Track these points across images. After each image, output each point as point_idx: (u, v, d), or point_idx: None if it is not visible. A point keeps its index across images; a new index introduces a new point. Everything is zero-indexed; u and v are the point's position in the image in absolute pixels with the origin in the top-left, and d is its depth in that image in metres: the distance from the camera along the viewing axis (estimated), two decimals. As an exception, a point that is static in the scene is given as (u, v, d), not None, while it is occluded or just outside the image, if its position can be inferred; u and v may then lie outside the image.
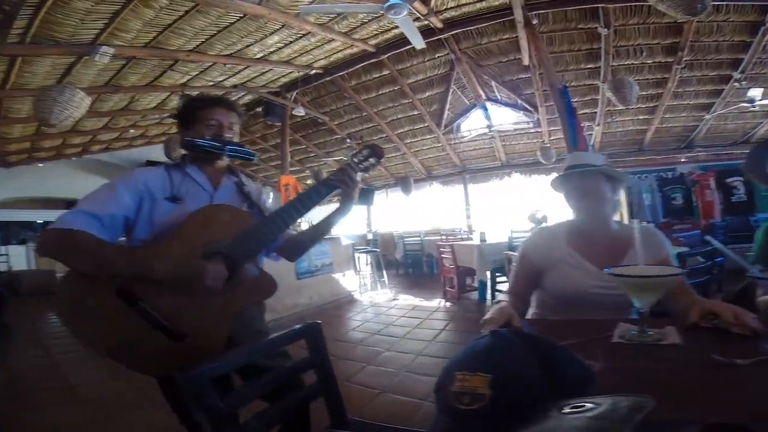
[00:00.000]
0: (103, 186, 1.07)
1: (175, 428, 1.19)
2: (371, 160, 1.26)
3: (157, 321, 0.98)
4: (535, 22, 4.45)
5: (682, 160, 6.77)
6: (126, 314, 0.96)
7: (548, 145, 6.85)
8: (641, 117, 6.53)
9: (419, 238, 7.57)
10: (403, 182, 8.09)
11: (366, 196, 7.61)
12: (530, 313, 1.33)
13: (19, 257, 7.91)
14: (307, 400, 1.04)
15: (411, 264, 7.81)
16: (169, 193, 1.10)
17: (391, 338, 3.59)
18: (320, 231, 1.31)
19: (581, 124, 4.07)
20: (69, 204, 8.65)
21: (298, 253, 1.35)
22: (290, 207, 1.17)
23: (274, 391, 0.97)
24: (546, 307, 1.30)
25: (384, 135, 7.79)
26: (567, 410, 0.41)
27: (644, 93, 5.56)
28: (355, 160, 1.25)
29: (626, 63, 5.23)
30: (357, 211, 8.26)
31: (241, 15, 3.59)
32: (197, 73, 4.76)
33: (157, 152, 8.15)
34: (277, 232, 1.15)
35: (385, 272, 6.22)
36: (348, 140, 8.18)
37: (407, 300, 5.29)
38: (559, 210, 7.31)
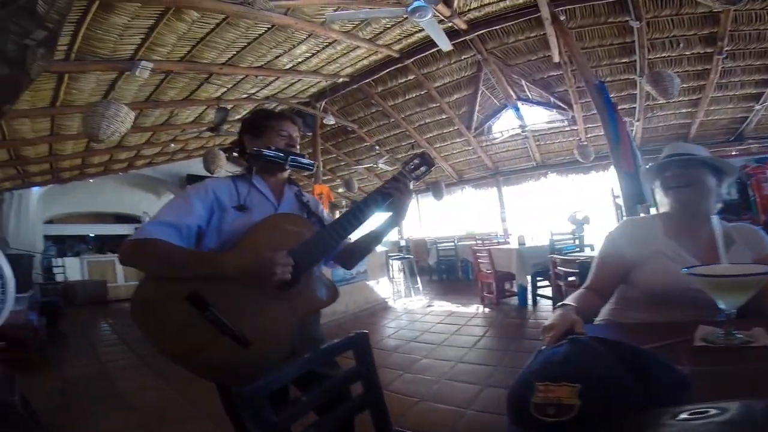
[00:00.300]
0: (178, 197, 1.13)
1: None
2: (422, 168, 1.25)
3: (225, 326, 0.99)
4: (562, 18, 4.31)
5: (733, 153, 6.32)
6: (195, 319, 0.98)
7: (585, 143, 6.57)
8: (684, 110, 6.15)
9: (453, 244, 7.42)
10: (435, 187, 7.97)
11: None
12: (606, 310, 1.22)
13: (73, 268, 8.44)
14: (354, 411, 1.01)
15: (445, 270, 7.67)
16: (236, 202, 1.14)
17: (428, 345, 3.49)
18: (375, 239, 1.30)
19: (623, 119, 3.84)
20: (118, 218, 9.22)
21: (354, 260, 1.36)
22: (349, 216, 1.17)
23: (327, 402, 0.96)
24: (629, 303, 1.18)
25: (412, 140, 7.75)
26: (685, 416, 0.36)
27: (686, 85, 5.28)
28: (408, 168, 1.24)
29: (663, 55, 4.98)
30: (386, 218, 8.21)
31: (269, 26, 3.67)
32: (231, 86, 4.91)
33: (196, 166, 8.50)
34: (338, 241, 1.16)
35: (419, 278, 6.12)
36: (377, 147, 8.21)
37: (443, 306, 5.16)
38: (600, 210, 7.09)
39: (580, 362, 0.53)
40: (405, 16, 3.30)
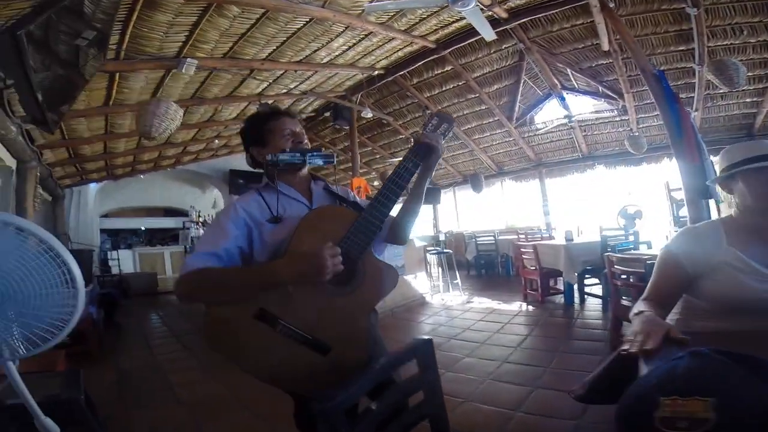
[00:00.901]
0: (210, 226, 1.13)
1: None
2: (444, 125, 1.18)
3: (300, 336, 0.98)
4: (611, 5, 4.07)
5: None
6: (269, 336, 0.97)
7: (637, 133, 6.14)
8: (748, 100, 5.61)
9: (493, 238, 7.20)
10: (474, 179, 7.79)
11: (432, 195, 7.44)
12: (670, 319, 1.12)
13: (126, 260, 9.01)
14: (416, 421, 0.97)
15: (483, 265, 7.47)
16: (269, 215, 1.12)
17: (470, 344, 3.38)
18: (416, 199, 1.23)
19: (694, 112, 3.52)
20: (166, 212, 9.71)
21: (405, 231, 1.28)
22: (386, 189, 1.11)
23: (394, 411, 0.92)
24: (694, 312, 1.10)
25: (450, 132, 7.56)
26: None
27: (750, 74, 4.83)
28: (429, 129, 1.17)
29: (725, 43, 4.59)
30: (423, 211, 8.12)
31: (307, 20, 3.66)
32: (271, 81, 4.98)
33: (238, 161, 8.81)
34: (382, 217, 1.09)
35: (457, 273, 5.99)
36: (412, 139, 8.07)
37: (483, 303, 5.01)
38: (653, 204, 6.62)
39: (708, 375, 0.52)
40: (446, 5, 3.18)
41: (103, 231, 9.41)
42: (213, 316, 1.01)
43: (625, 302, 2.80)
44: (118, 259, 8.33)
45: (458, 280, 5.92)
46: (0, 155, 3.55)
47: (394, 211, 1.19)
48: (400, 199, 1.14)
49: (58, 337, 1.20)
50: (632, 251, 3.73)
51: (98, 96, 3.85)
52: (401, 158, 1.13)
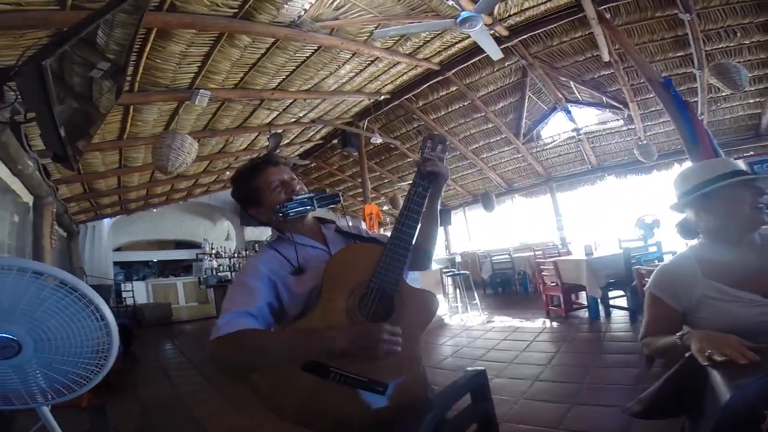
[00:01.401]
0: (235, 286, 1.06)
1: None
2: (440, 147, 1.13)
3: (355, 380, 0.92)
4: (607, 16, 4.15)
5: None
6: (323, 387, 0.92)
7: (645, 142, 6.11)
8: (751, 101, 5.60)
9: (508, 256, 7.09)
10: (484, 198, 7.75)
11: (443, 216, 7.40)
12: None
13: (140, 292, 9.01)
14: None
15: (500, 283, 7.32)
16: (290, 268, 1.07)
17: (496, 364, 3.25)
18: (432, 221, 1.19)
19: (699, 116, 3.50)
20: (178, 244, 9.76)
21: (427, 255, 1.24)
22: (403, 217, 1.08)
23: None
24: None
25: (457, 152, 7.62)
26: None
27: (751, 75, 4.82)
28: (426, 153, 1.12)
29: (721, 46, 4.63)
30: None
31: (316, 48, 3.76)
32: (281, 111, 5.08)
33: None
34: (408, 245, 1.06)
35: (475, 293, 5.86)
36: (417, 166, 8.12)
37: (504, 321, 4.87)
38: (668, 212, 6.45)
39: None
40: (454, 27, 3.25)
41: (116, 263, 9.48)
42: (260, 376, 0.96)
43: None
44: (132, 291, 8.33)
45: (476, 300, 5.78)
46: (17, 191, 3.59)
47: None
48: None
49: (94, 381, 1.17)
50: (656, 262, 3.64)
51: (113, 129, 3.94)
52: (411, 183, 1.11)
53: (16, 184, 3.55)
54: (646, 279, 2.70)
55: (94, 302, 1.07)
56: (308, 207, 1.14)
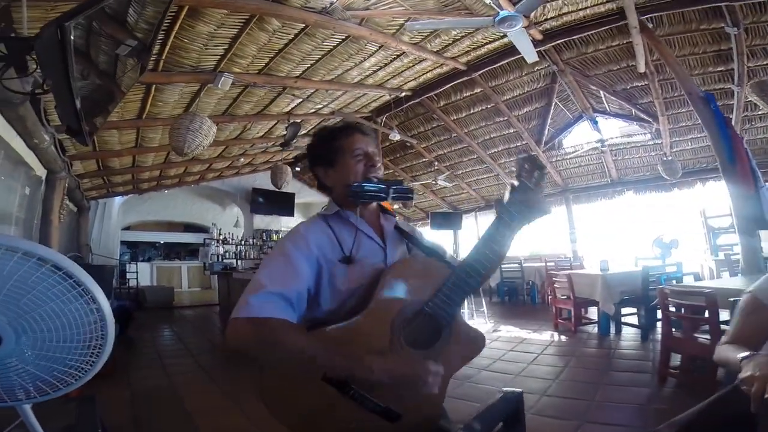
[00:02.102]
0: (277, 256, 0.94)
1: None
2: (537, 173, 0.96)
3: (372, 404, 0.85)
4: (650, 26, 4.02)
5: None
6: (337, 402, 0.85)
7: (671, 158, 5.94)
8: None
9: (518, 265, 6.97)
10: (498, 204, 7.59)
11: (452, 220, 7.29)
12: None
13: (144, 273, 9.02)
14: None
15: (507, 292, 7.20)
16: (341, 254, 0.96)
17: (503, 375, 3.16)
18: (497, 260, 1.03)
19: (739, 135, 3.36)
20: (186, 227, 9.76)
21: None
22: (485, 248, 0.94)
23: None
24: None
25: (475, 156, 7.50)
26: None
27: None
28: (523, 177, 0.96)
29: (766, 63, 4.45)
30: (443, 236, 7.96)
31: (343, 38, 3.67)
32: (301, 100, 5.00)
33: (261, 180, 8.86)
34: (478, 280, 0.93)
35: (483, 301, 5.76)
36: (436, 163, 8.04)
37: (511, 332, 4.76)
38: (687, 232, 6.34)
39: None
40: (492, 25, 3.13)
41: (123, 242, 9.50)
42: (273, 375, 0.90)
43: (676, 334, 2.65)
44: (137, 272, 8.31)
45: (484, 308, 5.67)
46: (31, 163, 3.56)
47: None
48: None
49: (83, 380, 1.08)
50: (675, 282, 3.54)
51: (132, 108, 3.88)
52: (497, 212, 0.95)
53: (30, 157, 3.52)
54: (669, 299, 2.60)
55: (90, 291, 0.96)
56: (382, 195, 1.03)
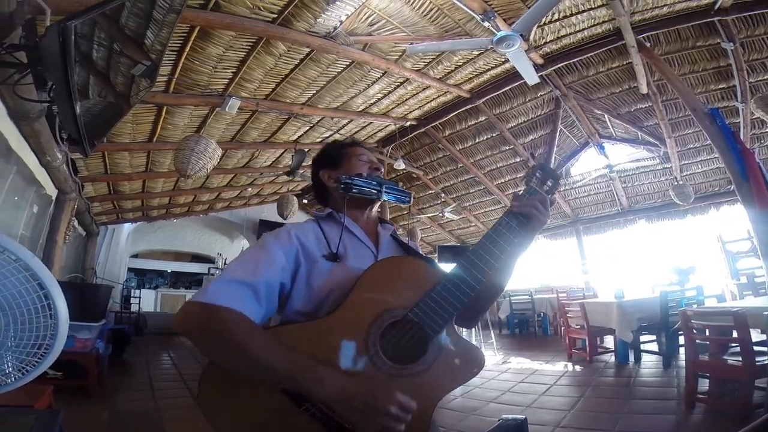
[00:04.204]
0: (253, 247, 0.89)
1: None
2: (549, 182, 0.94)
3: (334, 425, 0.73)
4: (647, 45, 4.07)
5: None
6: (290, 416, 0.74)
7: (682, 182, 5.82)
8: None
9: (529, 297, 6.73)
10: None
11: (460, 253, 7.17)
12: None
13: (148, 300, 8.97)
14: None
15: (518, 324, 6.92)
16: (327, 250, 0.91)
17: (512, 407, 2.96)
18: (502, 279, 0.98)
19: (750, 149, 3.28)
20: (194, 257, 9.83)
21: (479, 313, 1.05)
22: (483, 249, 0.86)
23: None
24: None
25: (482, 187, 7.47)
26: None
27: None
28: (534, 183, 0.93)
29: (767, 77, 4.45)
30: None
31: (347, 63, 3.79)
32: (307, 129, 5.11)
33: (268, 212, 8.93)
34: (474, 287, 0.84)
35: (492, 333, 5.52)
36: (442, 195, 8.02)
37: (522, 363, 4.51)
38: (704, 258, 6.07)
39: None
40: (490, 47, 3.21)
41: (131, 269, 9.55)
42: (216, 374, 0.78)
43: (702, 358, 2.49)
44: (140, 298, 8.28)
45: (493, 340, 5.42)
46: (42, 183, 3.63)
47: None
48: None
49: (20, 382, 1.00)
50: (696, 306, 3.36)
51: (144, 130, 4.00)
52: (500, 219, 0.91)
53: (42, 175, 3.59)
54: (693, 321, 2.44)
55: (45, 286, 0.91)
56: (374, 190, 1.00)
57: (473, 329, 5.69)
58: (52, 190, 3.93)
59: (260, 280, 0.79)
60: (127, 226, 8.17)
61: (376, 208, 1.06)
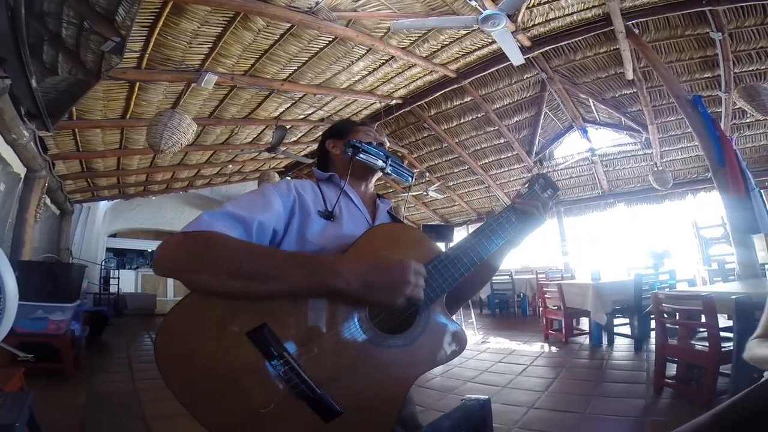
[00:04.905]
0: (251, 192, 0.87)
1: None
2: (549, 192, 0.97)
3: (304, 384, 0.67)
4: (636, 31, 4.05)
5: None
6: (256, 370, 0.66)
7: (661, 167, 5.93)
8: None
9: (509, 277, 6.87)
10: (489, 217, 7.56)
11: (444, 232, 7.22)
12: None
13: (128, 281, 8.83)
14: None
15: (498, 304, 7.09)
16: (323, 208, 0.89)
17: (489, 387, 3.03)
18: (491, 268, 1.00)
19: (728, 136, 3.33)
20: (173, 234, 9.77)
21: (461, 299, 1.03)
22: (487, 230, 0.86)
23: None
24: None
25: (466, 167, 7.48)
26: None
27: None
28: (537, 188, 0.96)
29: (751, 69, 4.51)
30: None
31: (330, 39, 3.65)
32: (288, 105, 4.95)
33: (249, 189, 8.76)
34: (472, 263, 0.83)
35: (472, 312, 5.63)
36: (427, 174, 8.00)
37: (500, 343, 4.63)
38: (678, 243, 6.28)
39: None
40: (476, 26, 3.13)
41: (110, 249, 9.32)
42: (186, 313, 0.68)
43: (672, 342, 2.55)
44: (119, 278, 8.13)
45: (473, 320, 5.54)
46: (8, 160, 3.46)
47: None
48: None
49: None
50: (668, 289, 3.46)
51: (116, 106, 3.82)
52: (501, 211, 0.92)
53: (8, 153, 3.43)
54: (664, 305, 2.51)
55: None
56: (381, 160, 1.00)
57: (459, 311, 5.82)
58: (20, 168, 3.76)
59: (254, 219, 0.76)
60: (104, 204, 7.92)
61: (374, 180, 1.06)
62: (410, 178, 1.08)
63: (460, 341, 0.83)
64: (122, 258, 10.33)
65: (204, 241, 0.69)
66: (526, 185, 0.96)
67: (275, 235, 0.82)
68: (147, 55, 3.05)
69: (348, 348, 0.72)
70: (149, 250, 10.77)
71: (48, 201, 4.80)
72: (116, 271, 8.39)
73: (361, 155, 0.97)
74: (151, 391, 3.00)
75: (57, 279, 3.57)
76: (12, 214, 3.73)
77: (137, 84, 3.50)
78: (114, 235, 9.78)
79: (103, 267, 7.93)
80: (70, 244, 5.99)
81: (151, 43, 2.92)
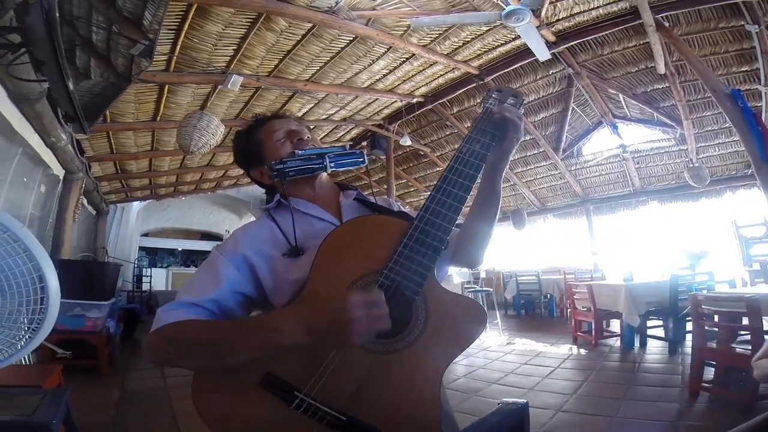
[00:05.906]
0: (203, 265, 0.83)
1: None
2: (512, 100, 0.83)
3: (330, 416, 0.65)
4: (666, 24, 3.86)
5: None
6: (282, 416, 0.65)
7: (698, 164, 5.63)
8: None
9: (536, 277, 6.70)
10: (515, 216, 7.39)
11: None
12: None
13: (160, 279, 9.18)
14: None
15: (524, 305, 6.93)
16: (285, 248, 0.81)
17: (515, 389, 2.98)
18: (490, 200, 0.86)
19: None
20: (203, 235, 9.96)
21: (479, 247, 0.90)
22: (448, 182, 0.74)
23: None
24: None
25: (490, 164, 7.32)
26: None
27: None
28: (491, 102, 0.82)
29: None
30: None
31: (351, 39, 3.67)
32: (312, 105, 5.01)
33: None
34: (447, 228, 0.71)
35: (497, 313, 5.53)
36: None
37: (526, 345, 4.53)
38: (717, 243, 5.94)
39: None
40: (499, 21, 3.06)
41: (142, 248, 9.71)
42: (203, 383, 0.71)
43: (710, 345, 2.44)
44: (151, 276, 8.45)
45: (498, 320, 5.44)
46: (49, 163, 3.64)
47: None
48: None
49: (12, 357, 1.00)
50: (706, 291, 3.28)
51: (147, 109, 3.96)
52: (463, 139, 0.78)
53: (48, 156, 3.60)
54: (704, 306, 2.39)
55: (34, 258, 0.88)
56: (316, 165, 0.88)
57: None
58: (59, 170, 3.95)
59: (207, 297, 0.74)
60: (136, 205, 8.25)
61: (327, 180, 0.94)
62: (362, 161, 0.93)
63: (476, 315, 0.72)
64: (154, 256, 10.77)
65: (163, 338, 0.71)
66: (481, 103, 0.82)
67: (250, 298, 0.80)
68: (175, 58, 3.15)
69: (355, 367, 0.67)
70: (179, 249, 11.17)
71: (85, 202, 5.03)
72: (148, 269, 8.73)
73: (291, 173, 0.87)
74: (181, 387, 3.08)
75: (94, 277, 3.73)
76: (52, 214, 3.92)
77: (166, 86, 3.62)
78: (146, 234, 10.20)
79: (136, 265, 8.26)
80: (106, 243, 6.27)
81: (178, 46, 3.01)
